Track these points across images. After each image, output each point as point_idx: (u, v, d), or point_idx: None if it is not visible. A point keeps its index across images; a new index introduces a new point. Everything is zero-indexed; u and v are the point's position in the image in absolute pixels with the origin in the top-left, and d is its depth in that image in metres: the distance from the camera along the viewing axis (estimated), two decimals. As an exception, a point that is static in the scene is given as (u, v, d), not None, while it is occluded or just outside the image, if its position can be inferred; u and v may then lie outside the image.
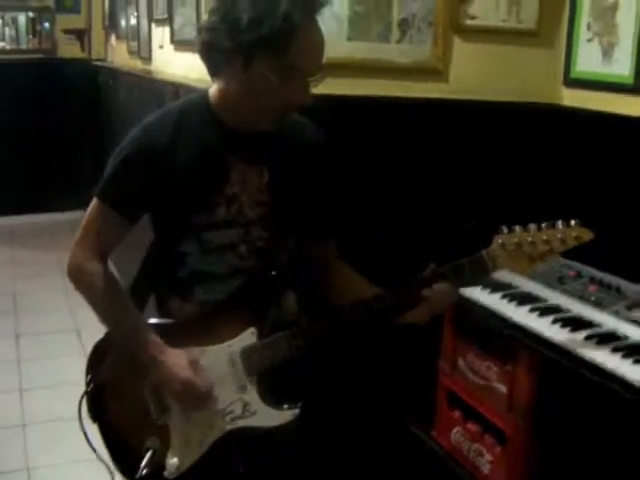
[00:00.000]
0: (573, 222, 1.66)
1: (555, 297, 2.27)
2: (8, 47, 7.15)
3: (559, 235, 1.64)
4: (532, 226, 1.66)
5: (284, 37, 1.59)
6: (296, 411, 1.80)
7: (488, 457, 2.39)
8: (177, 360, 1.76)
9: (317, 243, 1.94)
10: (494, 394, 2.34)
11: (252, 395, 1.79)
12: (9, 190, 6.86)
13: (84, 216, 1.82)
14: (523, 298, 2.27)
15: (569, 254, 2.47)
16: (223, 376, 1.79)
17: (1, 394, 3.90)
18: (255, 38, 1.59)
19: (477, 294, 2.35)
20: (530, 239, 1.64)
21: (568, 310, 2.19)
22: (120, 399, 1.86)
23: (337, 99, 2.57)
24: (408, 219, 2.70)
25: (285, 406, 1.80)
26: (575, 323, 2.08)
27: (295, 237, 1.87)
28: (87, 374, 1.90)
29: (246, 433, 1.80)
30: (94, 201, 1.81)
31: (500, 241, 1.66)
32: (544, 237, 1.64)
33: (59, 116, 6.89)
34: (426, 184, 2.71)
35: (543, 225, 1.66)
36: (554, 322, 2.10)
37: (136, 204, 1.79)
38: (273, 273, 1.82)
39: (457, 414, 2.55)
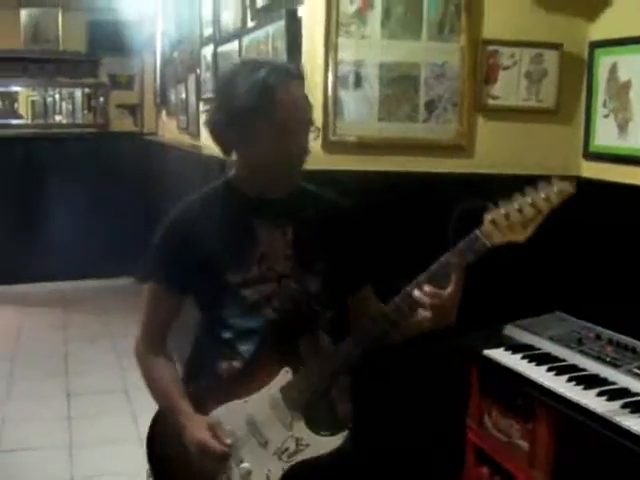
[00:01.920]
0: (553, 178, 1.68)
1: (573, 357, 2.37)
2: (64, 121, 7.43)
3: (542, 195, 1.66)
4: (516, 195, 1.69)
5: (264, 100, 1.82)
6: (345, 432, 1.89)
7: (513, 511, 2.49)
8: (196, 423, 1.89)
9: (349, 294, 2.07)
10: (517, 450, 2.43)
11: (301, 429, 1.88)
12: (62, 257, 7.07)
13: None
14: (542, 358, 2.38)
15: (590, 317, 2.61)
16: (270, 419, 1.89)
17: (52, 450, 4.05)
18: (242, 107, 1.83)
19: (500, 355, 2.46)
20: (517, 207, 1.68)
21: (584, 369, 2.29)
22: (182, 463, 1.94)
23: (369, 175, 2.76)
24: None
25: (334, 431, 1.89)
26: (589, 381, 2.19)
27: (323, 287, 1.97)
28: (147, 445, 2.06)
29: (305, 466, 1.88)
30: (148, 285, 2.03)
31: (490, 217, 1.71)
32: (529, 201, 1.66)
33: (111, 187, 7.12)
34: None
35: (525, 189, 1.68)
36: (569, 380, 2.20)
37: (180, 278, 1.97)
38: (298, 313, 1.94)
39: (484, 470, 2.63)
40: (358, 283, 2.08)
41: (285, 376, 1.90)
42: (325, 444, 1.88)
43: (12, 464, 3.90)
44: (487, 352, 2.50)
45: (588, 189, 2.83)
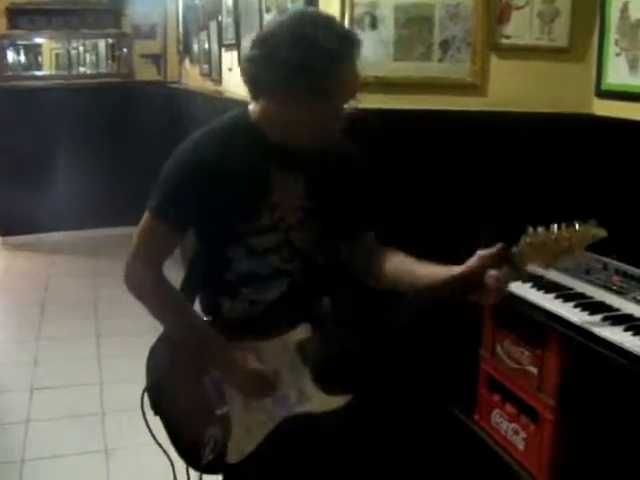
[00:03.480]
0: (591, 222, 1.78)
1: (581, 286, 2.47)
2: (89, 72, 7.42)
3: (579, 234, 1.75)
4: (554, 226, 1.76)
5: (328, 77, 1.71)
6: (348, 396, 1.94)
7: (523, 435, 2.58)
8: (243, 355, 1.88)
9: (354, 240, 2.03)
10: (527, 376, 2.54)
11: (307, 383, 1.90)
12: (91, 205, 7.18)
13: (138, 229, 1.92)
14: (551, 287, 2.48)
15: (597, 249, 2.70)
16: (279, 367, 1.90)
17: (84, 386, 4.23)
18: (297, 75, 1.70)
19: (512, 285, 2.56)
20: (554, 237, 1.75)
21: (591, 297, 2.39)
22: (180, 393, 1.98)
23: (385, 113, 2.81)
24: (446, 223, 2.89)
25: (338, 392, 1.93)
26: (595, 307, 2.29)
27: (333, 238, 1.97)
28: (147, 373, 2.03)
29: (302, 419, 1.91)
30: (148, 216, 1.90)
31: (528, 240, 1.77)
32: (566, 235, 1.75)
33: (137, 135, 7.17)
34: (466, 189, 2.92)
35: (563, 225, 1.76)
36: (576, 306, 2.30)
37: (189, 219, 1.88)
38: (320, 270, 1.93)
39: (496, 397, 2.74)
40: (360, 229, 2.05)
41: (304, 331, 1.91)
42: (325, 402, 1.93)
43: (45, 400, 4.09)
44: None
45: (600, 126, 2.91)
